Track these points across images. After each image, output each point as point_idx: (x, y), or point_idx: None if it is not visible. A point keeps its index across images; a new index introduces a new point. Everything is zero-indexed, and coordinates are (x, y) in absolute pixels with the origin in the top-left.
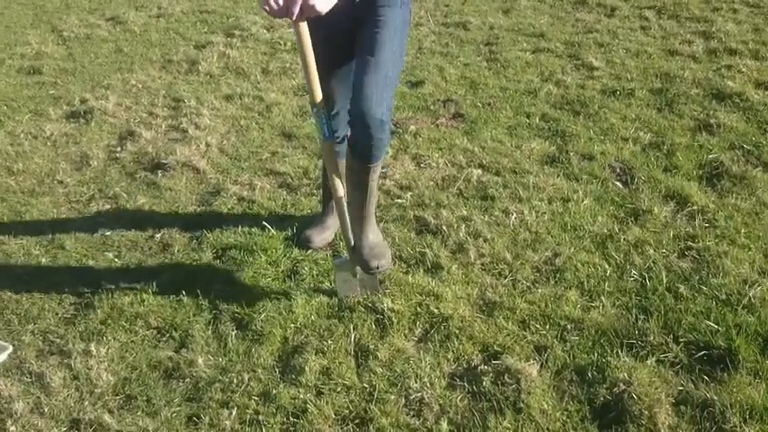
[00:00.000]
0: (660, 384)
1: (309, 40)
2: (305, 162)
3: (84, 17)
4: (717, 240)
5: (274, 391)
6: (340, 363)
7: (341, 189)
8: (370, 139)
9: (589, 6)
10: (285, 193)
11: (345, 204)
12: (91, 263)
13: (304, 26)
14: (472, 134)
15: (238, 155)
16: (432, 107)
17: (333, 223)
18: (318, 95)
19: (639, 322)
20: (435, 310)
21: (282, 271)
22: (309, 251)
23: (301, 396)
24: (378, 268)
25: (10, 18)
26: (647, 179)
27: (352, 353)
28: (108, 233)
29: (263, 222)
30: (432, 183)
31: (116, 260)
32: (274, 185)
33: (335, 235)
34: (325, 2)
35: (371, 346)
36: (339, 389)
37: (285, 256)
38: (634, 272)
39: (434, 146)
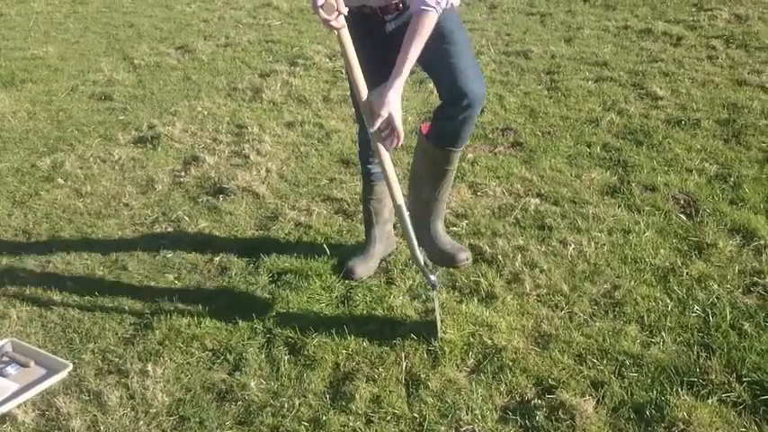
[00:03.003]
0: (721, 425)
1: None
2: (361, 191)
3: (154, 46)
4: None
5: (324, 418)
6: (390, 391)
7: (400, 196)
8: (469, 116)
9: (654, 35)
10: (341, 219)
11: (407, 212)
12: (152, 284)
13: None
14: (531, 163)
15: (297, 181)
16: (490, 135)
17: (377, 253)
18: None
19: (701, 360)
20: (489, 341)
21: (336, 297)
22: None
23: (351, 424)
24: (467, 260)
25: (85, 46)
26: (713, 212)
27: (403, 381)
28: (169, 255)
29: (323, 245)
30: (488, 211)
31: (176, 282)
32: (331, 211)
33: (380, 265)
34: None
35: (423, 376)
36: (389, 418)
37: (339, 281)
38: (697, 307)
39: (492, 174)
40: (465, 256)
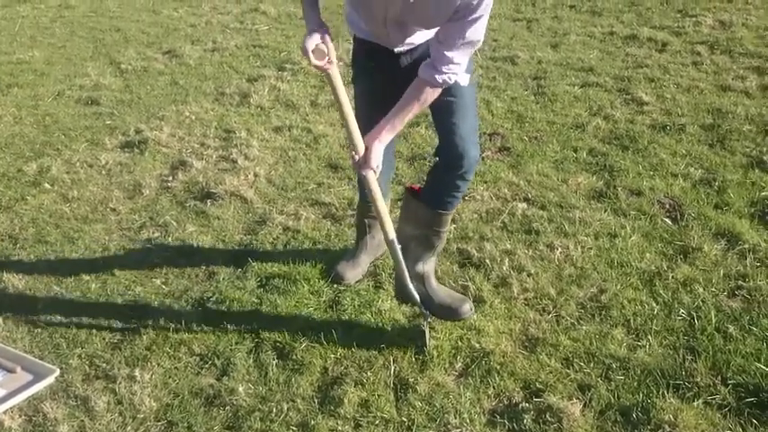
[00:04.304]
0: (707, 427)
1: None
2: (350, 193)
3: (141, 51)
4: None
5: (312, 422)
6: (379, 395)
7: (392, 231)
8: (463, 179)
9: (640, 41)
10: (329, 223)
11: (399, 246)
12: (139, 289)
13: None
14: (518, 167)
15: (285, 185)
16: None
17: (366, 259)
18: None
19: (687, 363)
20: (476, 345)
21: (324, 301)
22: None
23: (339, 428)
24: (470, 310)
25: (71, 51)
26: (697, 216)
27: (392, 385)
28: (157, 260)
29: (312, 250)
30: (476, 215)
31: (163, 287)
32: (319, 216)
33: (368, 269)
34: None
35: (411, 380)
36: (377, 422)
37: (327, 286)
38: (682, 311)
39: (479, 179)
40: (468, 307)
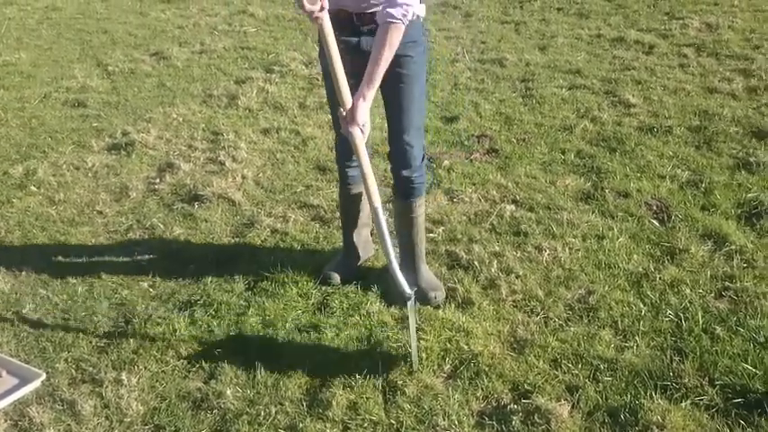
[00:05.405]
0: (695, 428)
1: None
2: (338, 195)
3: (129, 52)
4: (755, 281)
5: (301, 425)
6: (367, 398)
7: (378, 198)
8: (411, 180)
9: (627, 44)
10: (318, 225)
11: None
12: (125, 292)
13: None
14: (506, 169)
15: (273, 187)
16: (466, 142)
17: (354, 259)
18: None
19: (674, 364)
20: (465, 347)
21: (313, 303)
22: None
23: (328, 431)
24: (435, 298)
25: (58, 53)
26: (684, 217)
27: (380, 388)
28: (144, 263)
29: (300, 252)
30: (464, 218)
31: (150, 290)
32: (307, 218)
33: (357, 271)
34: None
35: (400, 382)
36: (366, 424)
37: (316, 288)
38: (669, 312)
39: (468, 181)
40: (433, 295)
